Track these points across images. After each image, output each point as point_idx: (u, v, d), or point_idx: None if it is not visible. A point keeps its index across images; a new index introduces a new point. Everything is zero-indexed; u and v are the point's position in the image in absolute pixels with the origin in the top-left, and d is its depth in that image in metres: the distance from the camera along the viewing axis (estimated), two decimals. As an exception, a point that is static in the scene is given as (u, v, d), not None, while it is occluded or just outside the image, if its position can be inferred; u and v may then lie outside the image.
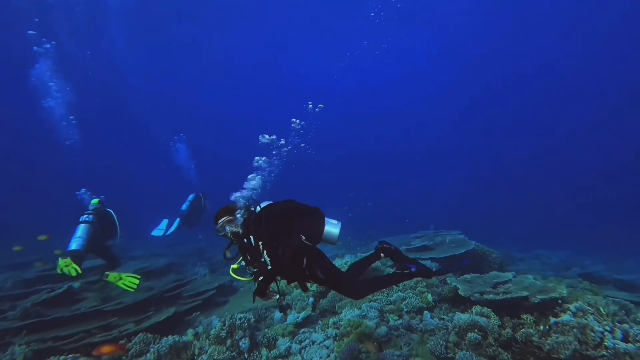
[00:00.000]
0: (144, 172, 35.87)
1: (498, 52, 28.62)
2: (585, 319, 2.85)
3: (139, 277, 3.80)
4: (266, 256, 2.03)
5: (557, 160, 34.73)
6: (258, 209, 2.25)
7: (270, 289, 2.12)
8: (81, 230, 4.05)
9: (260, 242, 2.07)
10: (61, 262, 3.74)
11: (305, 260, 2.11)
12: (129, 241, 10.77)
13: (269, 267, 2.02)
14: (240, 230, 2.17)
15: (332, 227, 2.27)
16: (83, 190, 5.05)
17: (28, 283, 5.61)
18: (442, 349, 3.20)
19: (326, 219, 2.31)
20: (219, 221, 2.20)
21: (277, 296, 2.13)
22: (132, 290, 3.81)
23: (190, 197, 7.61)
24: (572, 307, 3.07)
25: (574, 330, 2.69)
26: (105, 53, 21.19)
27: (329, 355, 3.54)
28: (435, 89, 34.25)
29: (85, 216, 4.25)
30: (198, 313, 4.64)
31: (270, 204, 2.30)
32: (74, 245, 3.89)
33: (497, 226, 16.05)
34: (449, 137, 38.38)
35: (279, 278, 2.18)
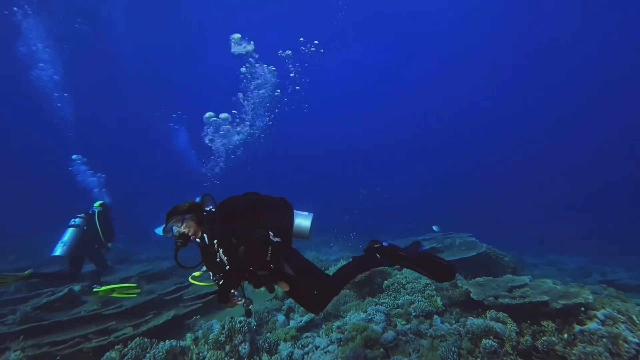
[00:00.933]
0: (143, 158, 34.78)
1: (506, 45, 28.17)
2: (617, 328, 2.58)
3: (135, 285, 3.60)
4: (222, 255, 1.82)
5: (565, 161, 33.81)
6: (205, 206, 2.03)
7: (236, 293, 1.86)
8: (68, 234, 4.00)
9: (215, 241, 1.84)
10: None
11: (269, 253, 1.86)
12: (134, 245, 10.80)
13: (227, 267, 1.80)
14: (190, 230, 1.94)
15: (302, 220, 2.01)
16: (76, 157, 4.70)
17: (31, 287, 5.58)
18: (455, 356, 2.99)
19: (295, 211, 2.07)
20: (169, 222, 1.95)
21: (242, 301, 1.87)
22: (134, 296, 3.63)
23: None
24: (599, 314, 2.79)
25: (604, 340, 2.43)
26: (97, 22, 19.92)
27: (333, 362, 3.35)
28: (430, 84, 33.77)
29: (72, 220, 4.20)
30: (198, 317, 4.50)
31: (229, 198, 2.07)
32: (58, 251, 3.84)
33: (506, 230, 15.52)
34: (449, 139, 37.87)
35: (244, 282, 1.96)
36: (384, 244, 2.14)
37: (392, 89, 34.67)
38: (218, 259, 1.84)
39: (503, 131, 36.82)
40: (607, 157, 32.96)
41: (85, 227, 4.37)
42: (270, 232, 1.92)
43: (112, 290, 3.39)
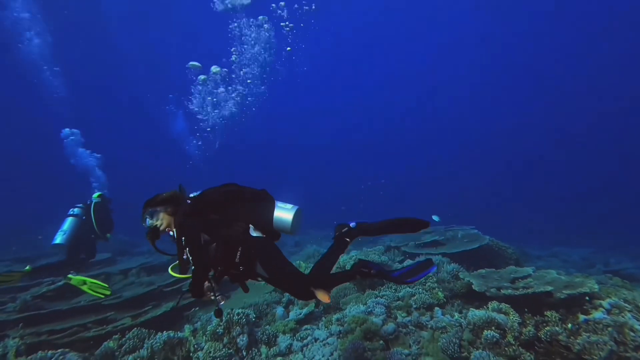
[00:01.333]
0: (144, 144, 32.92)
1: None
2: (623, 317, 2.51)
3: (106, 286, 3.49)
4: (188, 253, 1.72)
5: (565, 157, 33.40)
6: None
7: (212, 288, 1.78)
8: (67, 223, 3.99)
9: (182, 237, 1.74)
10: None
11: (239, 255, 1.72)
12: (136, 236, 10.80)
13: (192, 267, 1.71)
14: (162, 223, 1.84)
15: (283, 213, 1.82)
16: (68, 132, 4.35)
17: (32, 275, 5.59)
18: (456, 347, 2.94)
19: (277, 203, 1.88)
20: (143, 213, 1.85)
21: (212, 295, 1.78)
22: (101, 297, 3.49)
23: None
24: (605, 303, 2.72)
25: (609, 329, 2.36)
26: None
27: (332, 353, 3.33)
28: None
29: (71, 209, 4.19)
30: (197, 308, 4.49)
31: (206, 190, 1.93)
32: (58, 239, 3.82)
33: (508, 223, 15.38)
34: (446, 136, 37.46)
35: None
36: (350, 225, 2.01)
37: (392, 83, 34.28)
38: (185, 256, 1.74)
39: (503, 125, 36.41)
40: (610, 150, 32.50)
41: (84, 217, 4.38)
42: (250, 226, 1.81)
43: (84, 282, 3.32)
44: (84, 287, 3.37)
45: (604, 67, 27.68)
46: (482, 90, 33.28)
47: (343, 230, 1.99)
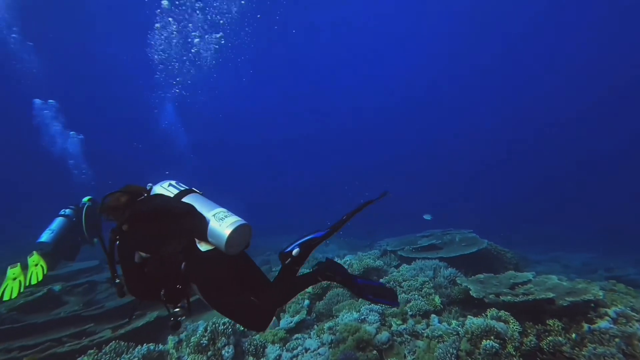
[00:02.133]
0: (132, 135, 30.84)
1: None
2: (631, 327, 2.35)
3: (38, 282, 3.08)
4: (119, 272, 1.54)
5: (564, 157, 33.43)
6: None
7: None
8: (56, 223, 3.81)
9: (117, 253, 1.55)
10: (30, 260, 3.26)
11: (163, 293, 1.48)
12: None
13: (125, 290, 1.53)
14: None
15: (221, 226, 1.45)
16: (40, 102, 3.71)
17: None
18: (453, 358, 2.78)
19: (220, 213, 1.53)
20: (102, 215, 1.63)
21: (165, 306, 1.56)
22: (19, 289, 2.99)
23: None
24: (611, 312, 2.56)
25: (617, 340, 2.19)
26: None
27: (322, 366, 3.13)
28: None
29: (63, 210, 4.02)
30: (183, 317, 4.27)
31: (137, 202, 1.62)
32: (44, 237, 3.61)
33: (507, 227, 15.18)
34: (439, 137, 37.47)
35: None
36: (292, 253, 1.75)
37: (392, 81, 34.35)
38: (117, 280, 1.54)
39: (504, 127, 36.50)
40: (614, 154, 32.53)
41: (74, 219, 4.22)
42: (196, 239, 1.54)
43: (37, 263, 3.01)
44: (33, 268, 3.03)
45: (598, 59, 27.78)
46: (478, 89, 33.43)
47: (286, 262, 1.76)
